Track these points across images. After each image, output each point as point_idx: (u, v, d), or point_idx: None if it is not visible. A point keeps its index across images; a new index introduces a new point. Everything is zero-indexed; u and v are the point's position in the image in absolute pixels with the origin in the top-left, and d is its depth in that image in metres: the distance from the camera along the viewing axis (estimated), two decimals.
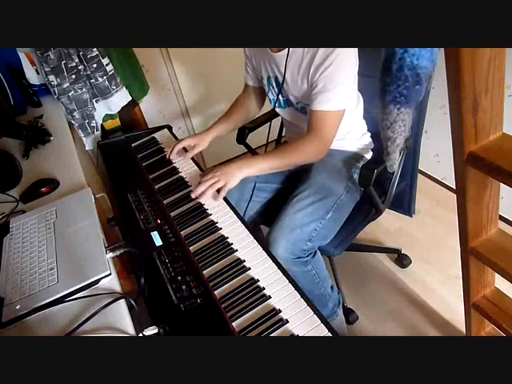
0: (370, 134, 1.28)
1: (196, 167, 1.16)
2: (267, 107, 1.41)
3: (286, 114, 1.26)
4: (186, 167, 1.16)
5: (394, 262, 1.62)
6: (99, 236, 0.84)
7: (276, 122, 1.51)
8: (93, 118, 1.61)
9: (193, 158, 1.21)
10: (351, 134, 1.24)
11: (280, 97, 1.22)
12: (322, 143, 1.07)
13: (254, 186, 1.24)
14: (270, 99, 1.27)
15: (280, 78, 1.16)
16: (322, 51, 1.00)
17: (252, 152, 1.57)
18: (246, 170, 1.02)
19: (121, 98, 1.65)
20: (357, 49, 1.03)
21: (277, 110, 1.28)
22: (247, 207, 1.24)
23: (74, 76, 1.49)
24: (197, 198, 0.99)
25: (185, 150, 1.22)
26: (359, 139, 1.26)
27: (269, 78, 1.21)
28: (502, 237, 0.89)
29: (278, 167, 1.09)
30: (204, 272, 0.80)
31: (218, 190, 0.99)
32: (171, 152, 1.19)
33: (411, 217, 1.38)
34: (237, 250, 0.83)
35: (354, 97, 1.18)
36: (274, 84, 1.20)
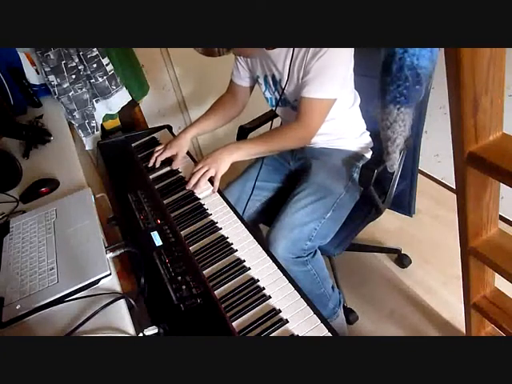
0: (368, 132, 1.28)
1: None
2: (267, 107, 1.41)
3: (284, 113, 1.26)
4: (186, 167, 1.16)
5: (393, 262, 1.62)
6: (99, 236, 0.84)
7: (276, 123, 1.51)
8: (93, 118, 1.61)
9: (193, 158, 1.21)
10: (350, 133, 1.24)
11: (277, 95, 1.22)
12: (307, 130, 1.09)
13: (254, 185, 1.24)
14: (266, 98, 1.27)
15: (277, 76, 1.16)
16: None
17: None
18: (236, 154, 1.05)
19: (121, 97, 1.65)
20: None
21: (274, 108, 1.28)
22: (246, 205, 1.24)
23: (74, 76, 1.49)
24: (192, 189, 1.04)
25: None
26: (358, 138, 1.26)
27: (265, 76, 1.20)
28: (502, 237, 0.89)
29: (265, 151, 1.12)
30: (204, 272, 0.80)
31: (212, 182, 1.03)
32: (154, 162, 1.19)
33: (411, 217, 1.38)
34: (237, 250, 0.83)
35: (350, 94, 1.18)
36: (271, 82, 1.20)
